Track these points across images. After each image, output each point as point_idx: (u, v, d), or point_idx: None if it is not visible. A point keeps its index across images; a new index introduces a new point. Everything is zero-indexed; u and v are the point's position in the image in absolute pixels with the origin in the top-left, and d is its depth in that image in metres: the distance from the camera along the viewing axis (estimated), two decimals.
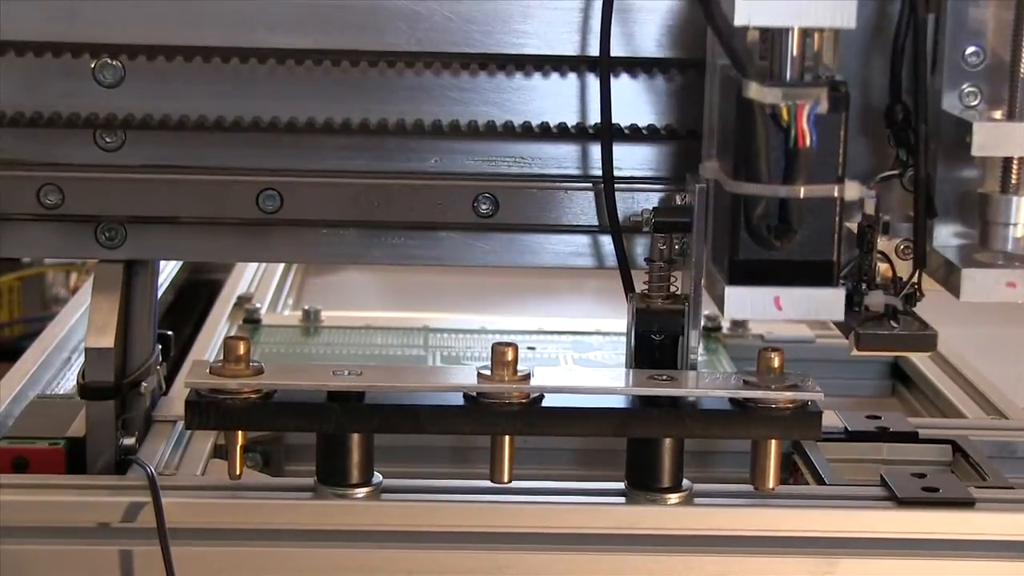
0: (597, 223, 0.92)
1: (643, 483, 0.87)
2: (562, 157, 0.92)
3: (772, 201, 0.78)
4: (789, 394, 0.85)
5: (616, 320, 1.31)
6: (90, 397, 0.91)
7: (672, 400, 0.86)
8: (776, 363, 0.86)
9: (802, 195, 0.77)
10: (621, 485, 0.88)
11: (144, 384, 0.95)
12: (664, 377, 0.86)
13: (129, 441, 0.93)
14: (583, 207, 0.92)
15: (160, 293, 1.05)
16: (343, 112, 0.91)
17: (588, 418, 0.86)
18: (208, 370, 0.85)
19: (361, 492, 0.86)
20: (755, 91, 0.76)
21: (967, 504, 0.87)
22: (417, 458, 1.02)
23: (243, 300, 1.33)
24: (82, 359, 1.06)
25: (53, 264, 1.66)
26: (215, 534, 0.85)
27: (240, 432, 0.85)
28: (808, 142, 0.76)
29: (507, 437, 0.85)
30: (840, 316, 0.80)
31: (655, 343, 0.89)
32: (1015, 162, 0.82)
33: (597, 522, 0.86)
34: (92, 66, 0.89)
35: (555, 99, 0.91)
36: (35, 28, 0.88)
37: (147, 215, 0.92)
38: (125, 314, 0.93)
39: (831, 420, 1.01)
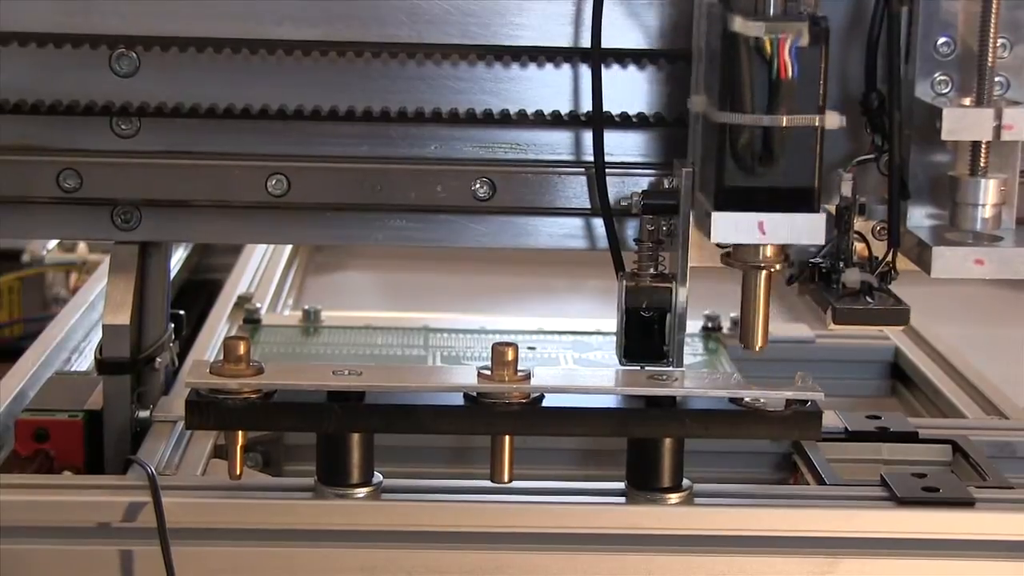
0: (589, 206, 0.95)
1: (643, 483, 0.87)
2: (556, 143, 0.95)
3: (756, 130, 0.81)
4: (789, 394, 0.85)
5: (616, 320, 1.31)
6: (107, 372, 0.95)
7: (672, 400, 0.86)
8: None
9: (784, 124, 0.81)
10: (621, 485, 0.88)
11: (158, 360, 0.99)
12: (664, 377, 0.86)
13: (144, 414, 0.96)
14: (576, 191, 0.95)
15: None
16: (348, 101, 0.94)
17: (588, 418, 0.86)
18: (208, 370, 0.85)
19: (361, 492, 0.86)
20: (740, 24, 0.80)
21: (967, 504, 0.87)
22: (417, 458, 1.02)
23: (243, 300, 1.33)
24: (82, 359, 1.06)
25: (53, 264, 1.66)
26: (215, 534, 0.85)
27: (240, 432, 0.85)
28: (790, 74, 0.80)
29: (507, 437, 0.85)
30: (820, 240, 0.84)
31: (644, 319, 0.91)
32: (983, 146, 0.85)
33: (597, 522, 0.86)
34: (109, 57, 0.92)
35: (549, 88, 0.94)
36: (55, 20, 0.91)
37: (161, 199, 0.95)
38: (140, 293, 0.97)
39: (831, 420, 1.00)
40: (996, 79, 0.86)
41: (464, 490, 0.88)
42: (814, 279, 0.88)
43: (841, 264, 0.86)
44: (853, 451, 1.00)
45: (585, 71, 0.93)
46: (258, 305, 1.30)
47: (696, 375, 0.88)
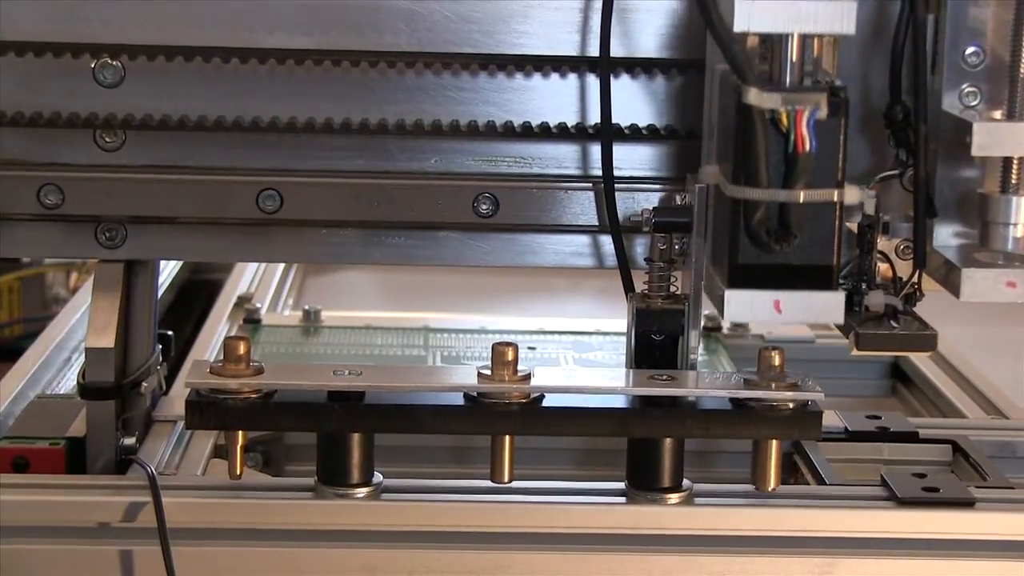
0: (597, 223, 0.92)
1: (643, 483, 0.87)
2: (562, 157, 0.92)
3: (772, 206, 0.78)
4: (789, 394, 0.85)
5: (616, 320, 1.31)
6: (90, 397, 0.91)
7: (672, 400, 0.86)
8: (776, 363, 0.86)
9: (802, 200, 0.77)
10: (621, 485, 0.88)
11: (144, 384, 0.95)
12: (664, 377, 0.86)
13: (129, 441, 0.93)
14: (583, 207, 0.92)
15: (160, 293, 1.05)
16: (343, 112, 0.91)
17: (588, 418, 0.86)
18: (208, 370, 0.85)
19: (361, 492, 0.86)
20: (755, 96, 0.76)
21: (967, 504, 0.87)
22: (417, 458, 1.02)
23: (243, 300, 1.33)
24: (82, 359, 1.06)
25: (53, 264, 1.66)
26: (215, 534, 0.85)
27: (240, 432, 0.85)
28: (808, 147, 0.76)
29: (507, 437, 0.85)
30: (840, 319, 0.80)
31: (655, 343, 0.89)
32: (1015, 162, 0.82)
33: (597, 522, 0.86)
34: (92, 66, 0.89)
35: (555, 99, 0.91)
36: (35, 28, 0.88)
37: (147, 215, 0.92)
38: (125, 314, 0.93)
39: (831, 420, 1.01)
40: None
41: (464, 490, 0.88)
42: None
43: (864, 286, 0.83)
44: (853, 451, 1.00)
45: (592, 81, 0.90)
46: (258, 305, 1.30)
47: (696, 375, 0.88)
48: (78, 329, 1.18)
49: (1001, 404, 1.11)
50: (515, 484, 0.86)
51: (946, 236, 0.85)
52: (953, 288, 0.81)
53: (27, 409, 0.99)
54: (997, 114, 0.83)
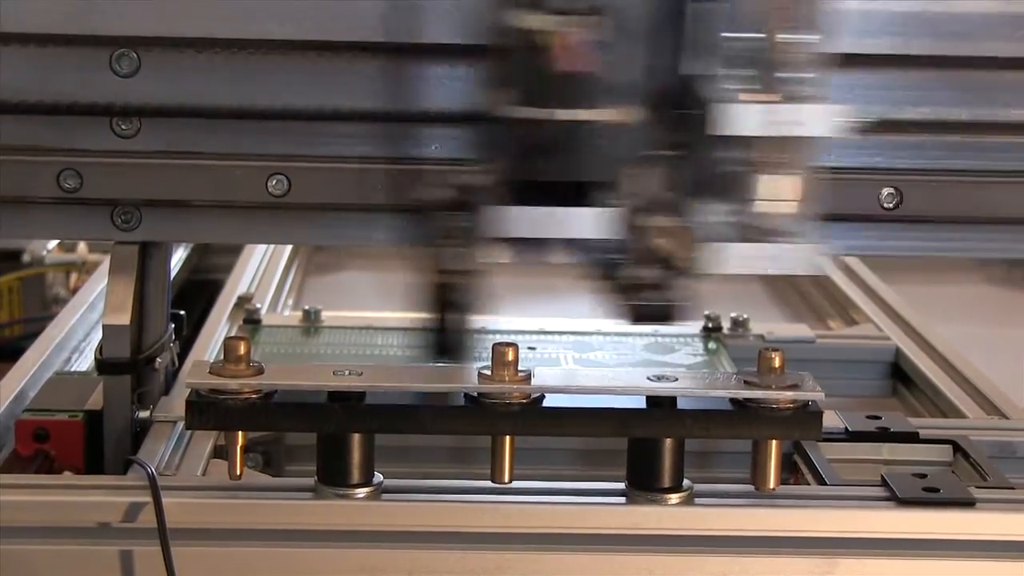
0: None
1: (643, 483, 0.87)
2: None
3: (542, 125, 0.79)
4: (789, 394, 0.85)
5: (616, 320, 1.31)
6: (107, 372, 0.95)
7: (672, 400, 0.86)
8: (776, 363, 0.86)
9: (569, 118, 0.79)
10: (621, 485, 0.88)
11: (159, 360, 0.98)
12: (665, 377, 0.86)
13: (144, 414, 0.96)
14: None
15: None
16: (348, 101, 0.93)
17: (588, 418, 0.86)
18: (208, 370, 0.85)
19: (361, 492, 0.86)
20: (521, 18, 0.77)
21: (967, 504, 0.87)
22: (417, 458, 1.02)
23: (243, 300, 1.33)
24: (82, 359, 1.06)
25: (53, 264, 1.66)
26: (215, 534, 0.85)
27: (240, 432, 0.85)
28: (574, 67, 0.78)
29: (507, 437, 0.85)
30: (610, 234, 0.82)
31: (448, 318, 0.88)
32: (774, 142, 0.82)
33: (597, 522, 0.86)
34: (109, 57, 0.91)
35: None
36: (55, 21, 0.90)
37: (161, 199, 0.94)
38: (140, 293, 0.96)
39: (831, 420, 1.00)
40: (797, 74, 0.82)
41: (464, 490, 0.88)
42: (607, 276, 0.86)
43: (634, 261, 0.84)
44: (853, 451, 1.00)
45: None
46: (258, 305, 1.30)
47: (696, 375, 0.88)
48: (78, 329, 1.18)
49: (1001, 404, 1.11)
50: (515, 484, 0.86)
51: (714, 214, 0.85)
52: (710, 263, 0.82)
53: (46, 385, 1.03)
54: (754, 96, 0.82)
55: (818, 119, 0.81)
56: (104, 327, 0.95)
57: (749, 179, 0.83)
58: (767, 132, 0.81)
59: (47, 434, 0.93)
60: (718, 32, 0.83)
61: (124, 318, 0.94)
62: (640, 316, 0.84)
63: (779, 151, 0.83)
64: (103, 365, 0.95)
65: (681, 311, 0.84)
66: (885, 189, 0.95)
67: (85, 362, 1.15)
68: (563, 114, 0.79)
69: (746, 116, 0.81)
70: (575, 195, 0.81)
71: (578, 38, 0.78)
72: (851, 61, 0.91)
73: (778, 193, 0.83)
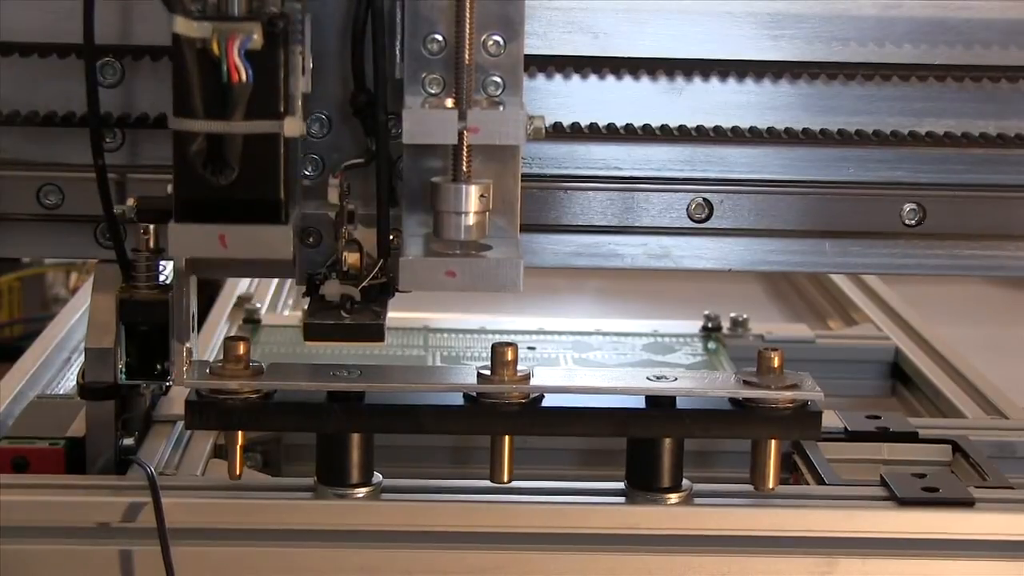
0: (597, 223, 0.92)
1: (643, 483, 0.87)
2: (561, 157, 0.91)
3: (210, 138, 0.77)
4: (789, 394, 0.85)
5: (616, 320, 1.31)
6: (90, 397, 0.91)
7: (672, 400, 0.86)
8: (776, 363, 0.86)
9: (238, 131, 0.76)
10: (621, 485, 0.88)
11: (144, 384, 0.94)
12: (663, 377, 0.86)
13: (129, 441, 0.93)
14: (582, 207, 0.92)
15: None
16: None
17: (588, 418, 0.86)
18: (208, 370, 0.85)
19: (361, 492, 0.86)
20: (182, 25, 0.75)
21: (967, 504, 0.87)
22: (417, 458, 1.02)
23: (243, 300, 1.33)
24: (82, 359, 1.06)
25: (53, 264, 1.66)
26: (215, 534, 0.85)
27: (240, 432, 0.85)
28: (241, 77, 0.75)
29: (507, 437, 0.85)
30: (287, 255, 0.80)
31: (143, 333, 0.88)
32: (464, 150, 0.81)
33: (597, 522, 0.86)
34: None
35: (554, 99, 0.91)
36: (36, 29, 0.88)
37: None
38: None
39: (831, 420, 1.01)
40: (492, 78, 0.82)
41: (464, 490, 0.88)
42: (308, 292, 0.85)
43: (334, 275, 0.84)
44: (853, 451, 1.00)
45: (596, 82, 0.90)
46: (258, 305, 1.30)
47: (696, 375, 0.88)
48: (78, 329, 1.18)
49: (1001, 404, 1.11)
50: (515, 484, 0.86)
51: (414, 226, 0.84)
52: (398, 279, 0.81)
53: (27, 409, 0.99)
54: (449, 102, 0.81)
55: (503, 125, 0.79)
56: (87, 351, 0.91)
57: (440, 189, 0.81)
58: (452, 140, 0.79)
59: (26, 463, 0.89)
60: (415, 34, 0.82)
61: (108, 341, 0.90)
62: (318, 334, 0.82)
63: (467, 159, 0.81)
64: (85, 390, 0.90)
65: (365, 330, 0.82)
66: (907, 205, 0.92)
67: None
68: (219, 126, 0.76)
69: (429, 124, 0.79)
70: (251, 212, 0.78)
71: (234, 46, 0.75)
72: (870, 70, 0.89)
73: (471, 204, 0.81)
